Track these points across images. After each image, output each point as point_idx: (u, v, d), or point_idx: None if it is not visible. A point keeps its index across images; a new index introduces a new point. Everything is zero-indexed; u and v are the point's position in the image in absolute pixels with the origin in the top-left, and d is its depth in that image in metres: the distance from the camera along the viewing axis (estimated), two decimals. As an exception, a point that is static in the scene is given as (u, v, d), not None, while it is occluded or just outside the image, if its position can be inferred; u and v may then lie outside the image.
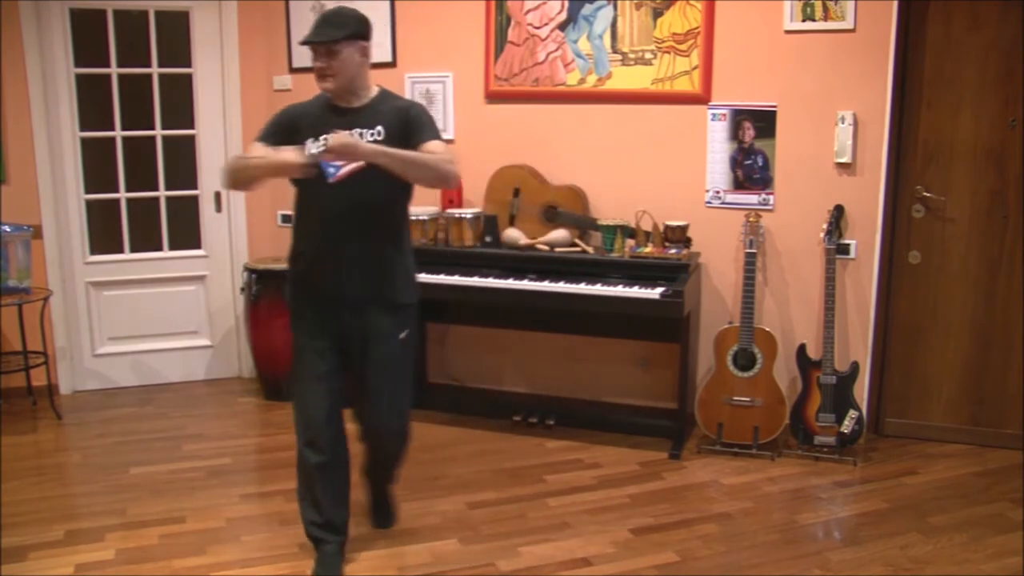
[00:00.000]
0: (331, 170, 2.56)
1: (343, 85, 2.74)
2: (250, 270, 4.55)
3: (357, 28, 2.72)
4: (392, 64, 4.56)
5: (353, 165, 2.60)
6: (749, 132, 4.01)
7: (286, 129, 2.78)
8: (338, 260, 2.76)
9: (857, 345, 4.02)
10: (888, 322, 4.07)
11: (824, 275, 3.84)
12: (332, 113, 2.80)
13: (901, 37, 3.79)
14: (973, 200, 3.89)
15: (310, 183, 2.65)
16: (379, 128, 2.75)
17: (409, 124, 2.75)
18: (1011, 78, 3.74)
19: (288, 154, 2.60)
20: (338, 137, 2.52)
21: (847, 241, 3.94)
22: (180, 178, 4.82)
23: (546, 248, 4.09)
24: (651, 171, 4.20)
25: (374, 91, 2.83)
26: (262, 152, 2.71)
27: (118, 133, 4.69)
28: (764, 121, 3.98)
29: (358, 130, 2.73)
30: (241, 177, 2.74)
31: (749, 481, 3.65)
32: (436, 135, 2.76)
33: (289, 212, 3.05)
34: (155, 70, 4.69)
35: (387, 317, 2.83)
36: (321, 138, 2.55)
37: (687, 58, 4.04)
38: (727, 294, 4.16)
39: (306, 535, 2.94)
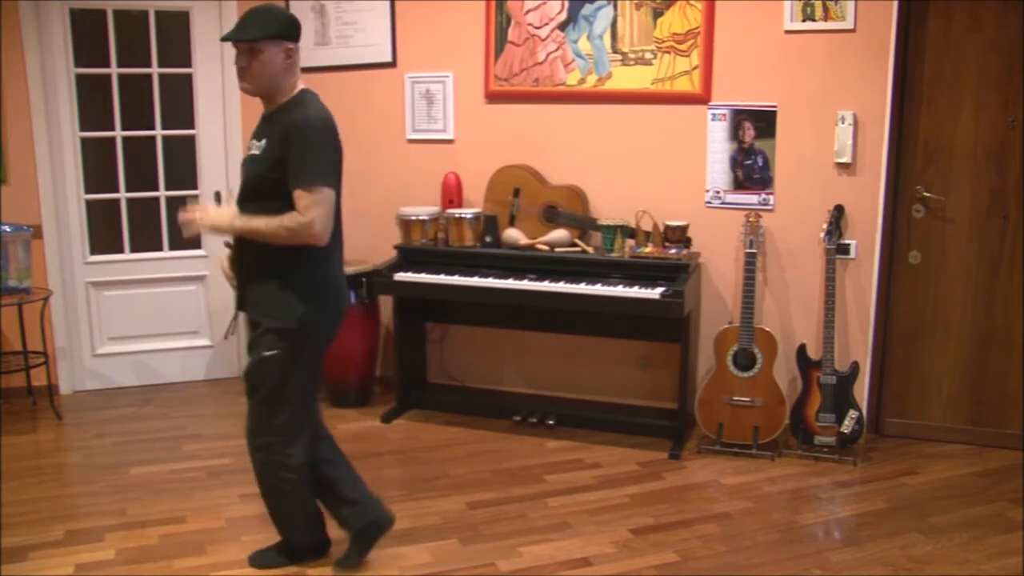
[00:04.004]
0: None
1: (262, 88, 2.60)
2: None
3: (283, 28, 2.57)
4: (392, 64, 4.56)
5: None
6: (749, 132, 4.01)
7: None
8: None
9: (857, 345, 4.02)
10: (888, 322, 4.07)
11: (824, 275, 3.84)
12: (260, 120, 2.72)
13: (901, 37, 3.79)
14: (973, 200, 3.89)
15: None
16: (264, 142, 2.61)
17: (287, 156, 2.53)
18: (1011, 78, 3.74)
19: None
20: (182, 215, 2.65)
21: (847, 241, 3.94)
22: (180, 178, 4.82)
23: (546, 248, 4.09)
24: (651, 171, 4.20)
25: (289, 96, 2.63)
26: None
27: (118, 133, 4.69)
28: (764, 121, 3.98)
29: (254, 140, 2.67)
30: None
31: (749, 481, 3.65)
32: (305, 178, 2.51)
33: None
34: (155, 70, 4.69)
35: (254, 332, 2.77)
36: None
37: (687, 58, 4.04)
38: (727, 294, 4.16)
39: (318, 551, 2.98)
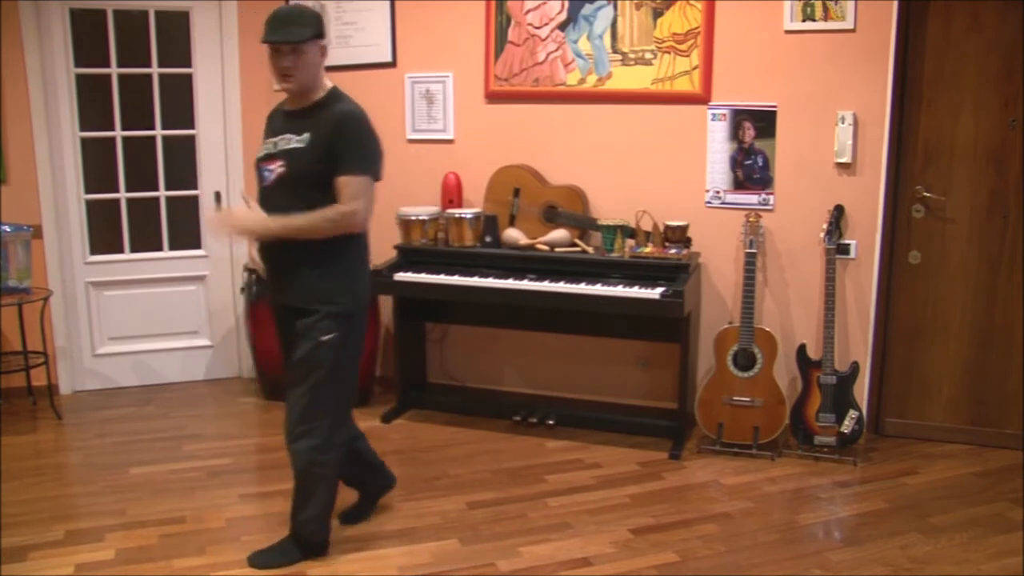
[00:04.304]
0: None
1: (304, 85, 2.73)
2: (250, 270, 4.55)
3: (319, 27, 2.72)
4: (392, 64, 4.56)
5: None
6: (749, 132, 4.01)
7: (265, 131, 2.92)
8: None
9: (857, 345, 4.02)
10: (888, 322, 4.07)
11: (824, 275, 3.84)
12: (283, 116, 2.83)
13: (901, 37, 3.79)
14: (973, 200, 3.89)
15: None
16: (306, 135, 2.71)
17: (336, 144, 2.68)
18: (1011, 78, 3.74)
19: None
20: (209, 219, 2.69)
21: (847, 241, 3.94)
22: (180, 178, 4.82)
23: (546, 248, 4.09)
24: (651, 171, 4.20)
25: (322, 92, 2.78)
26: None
27: (118, 133, 4.69)
28: (764, 121, 3.98)
29: (287, 135, 2.74)
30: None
31: (749, 481, 3.65)
32: (354, 167, 2.69)
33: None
34: (155, 70, 4.69)
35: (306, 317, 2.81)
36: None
37: (687, 58, 4.04)
38: (727, 294, 4.16)
39: (318, 551, 3.01)
